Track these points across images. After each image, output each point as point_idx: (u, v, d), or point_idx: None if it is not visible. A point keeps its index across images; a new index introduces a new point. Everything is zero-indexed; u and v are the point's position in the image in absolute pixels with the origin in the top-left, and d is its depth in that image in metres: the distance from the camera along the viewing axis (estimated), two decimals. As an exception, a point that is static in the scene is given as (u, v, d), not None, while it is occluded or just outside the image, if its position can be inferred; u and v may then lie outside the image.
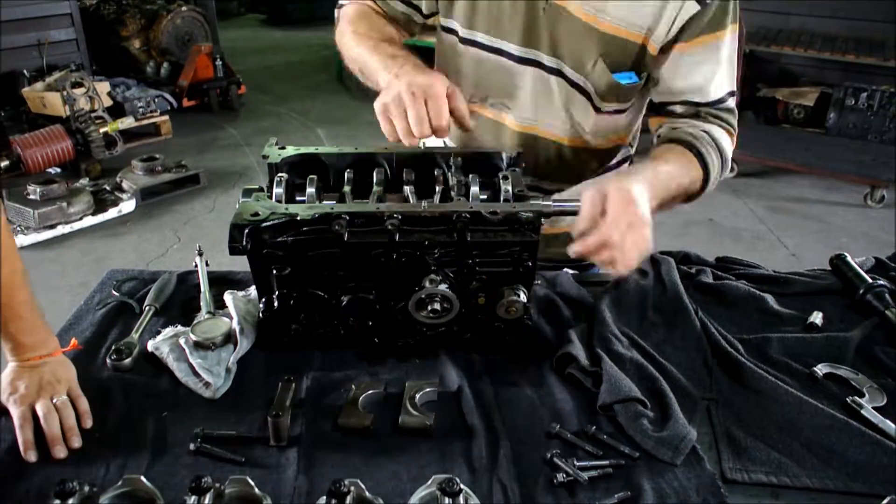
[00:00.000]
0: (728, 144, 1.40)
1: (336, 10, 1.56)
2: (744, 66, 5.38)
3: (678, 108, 1.41)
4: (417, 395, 1.09)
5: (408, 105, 1.17)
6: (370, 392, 1.11)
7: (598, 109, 1.40)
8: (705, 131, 1.37)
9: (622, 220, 1.07)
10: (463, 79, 1.47)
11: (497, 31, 1.39)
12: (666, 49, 1.35)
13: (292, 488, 0.95)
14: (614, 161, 1.59)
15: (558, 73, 1.38)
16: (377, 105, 1.22)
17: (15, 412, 1.05)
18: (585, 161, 1.53)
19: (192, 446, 1.01)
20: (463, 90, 1.40)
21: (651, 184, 1.19)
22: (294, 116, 6.75)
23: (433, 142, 1.47)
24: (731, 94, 1.41)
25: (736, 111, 1.43)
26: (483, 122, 1.47)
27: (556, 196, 1.22)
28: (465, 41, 1.44)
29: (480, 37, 1.41)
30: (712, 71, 1.36)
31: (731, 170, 1.45)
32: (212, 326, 1.23)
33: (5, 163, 4.72)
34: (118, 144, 5.10)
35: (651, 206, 1.14)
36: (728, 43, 1.36)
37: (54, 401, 1.06)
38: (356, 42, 1.40)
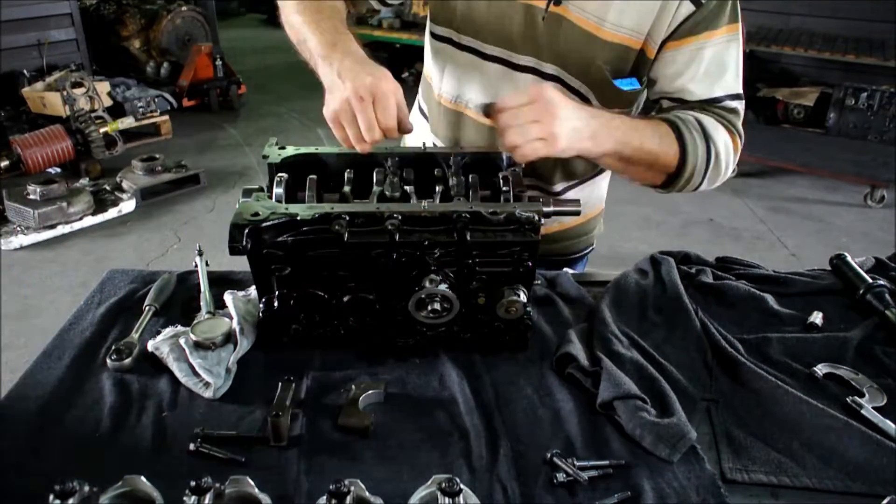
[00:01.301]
0: (722, 137, 1.35)
1: None
2: (744, 66, 5.43)
3: (665, 104, 1.40)
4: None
5: (357, 111, 1.15)
6: (370, 392, 1.11)
7: None
8: (695, 117, 1.33)
9: (532, 111, 1.15)
10: (461, 84, 1.48)
11: (496, 38, 1.40)
12: (661, 49, 1.34)
13: (292, 488, 0.95)
14: None
15: (556, 79, 1.38)
16: (327, 113, 1.18)
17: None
18: (581, 163, 1.53)
19: (192, 446, 1.01)
20: (460, 94, 1.48)
21: (604, 118, 1.24)
22: (294, 116, 6.75)
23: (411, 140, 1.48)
24: (734, 97, 1.38)
25: (739, 113, 1.39)
26: (480, 128, 1.47)
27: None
28: (461, 47, 1.44)
29: (478, 44, 1.41)
30: (705, 71, 1.33)
31: (733, 171, 1.42)
32: (212, 326, 1.23)
33: (5, 163, 4.73)
34: (118, 144, 5.11)
35: (600, 141, 1.22)
36: (723, 42, 1.33)
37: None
38: (298, 9, 1.30)
